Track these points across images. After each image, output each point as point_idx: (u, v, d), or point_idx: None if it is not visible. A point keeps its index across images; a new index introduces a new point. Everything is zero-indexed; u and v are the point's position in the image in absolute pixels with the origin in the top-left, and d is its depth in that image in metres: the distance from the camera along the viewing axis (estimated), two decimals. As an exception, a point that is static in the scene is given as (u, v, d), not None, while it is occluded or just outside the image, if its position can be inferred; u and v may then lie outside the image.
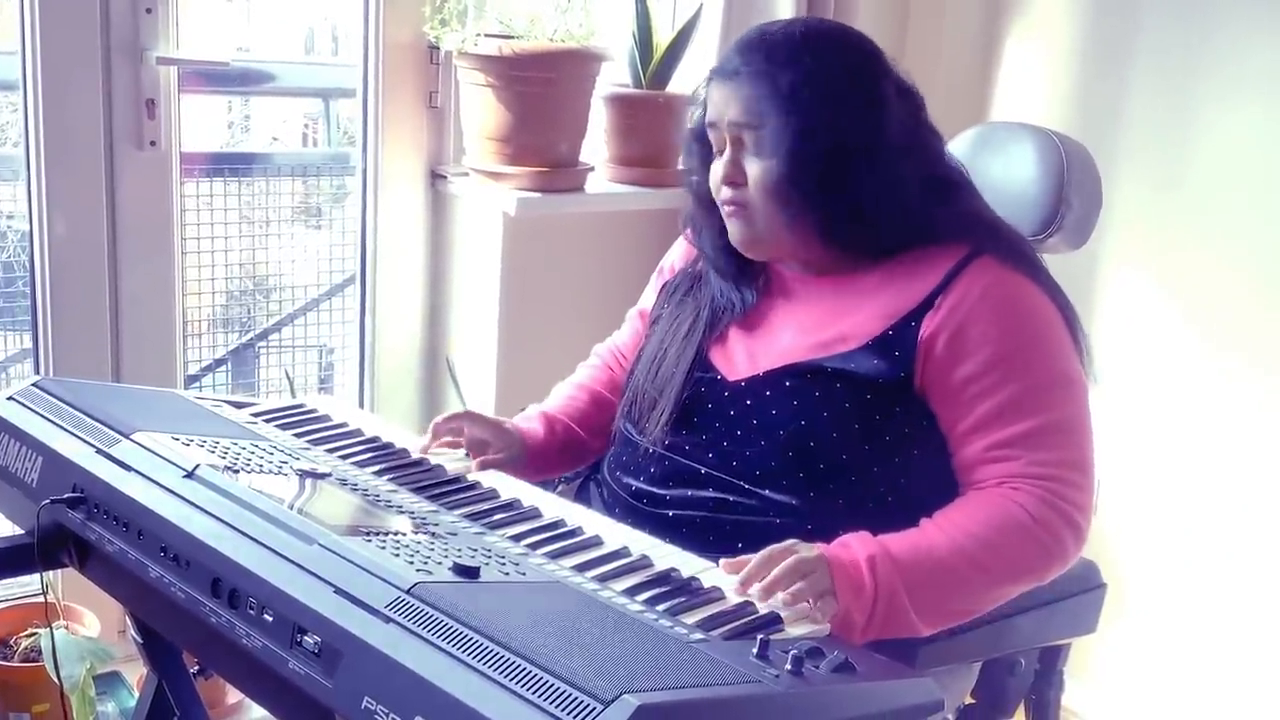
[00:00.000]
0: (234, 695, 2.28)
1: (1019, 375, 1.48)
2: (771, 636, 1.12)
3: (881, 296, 1.54)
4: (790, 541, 1.35)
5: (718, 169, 1.57)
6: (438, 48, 2.38)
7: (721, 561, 1.35)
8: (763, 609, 1.26)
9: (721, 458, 1.55)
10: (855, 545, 1.39)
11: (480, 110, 2.33)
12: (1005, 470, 1.46)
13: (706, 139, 1.60)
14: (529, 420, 1.76)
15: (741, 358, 1.60)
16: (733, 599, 1.28)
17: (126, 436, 1.40)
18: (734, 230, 1.59)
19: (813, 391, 1.51)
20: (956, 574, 1.41)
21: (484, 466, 1.61)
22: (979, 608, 1.46)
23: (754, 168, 1.53)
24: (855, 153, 1.50)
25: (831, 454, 1.49)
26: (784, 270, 1.64)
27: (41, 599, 2.18)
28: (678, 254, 1.81)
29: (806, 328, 1.58)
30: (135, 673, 2.23)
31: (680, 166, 1.72)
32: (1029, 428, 1.46)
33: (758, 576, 1.30)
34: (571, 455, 1.78)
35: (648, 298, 1.83)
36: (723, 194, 1.57)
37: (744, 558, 1.34)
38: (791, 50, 1.52)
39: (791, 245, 1.57)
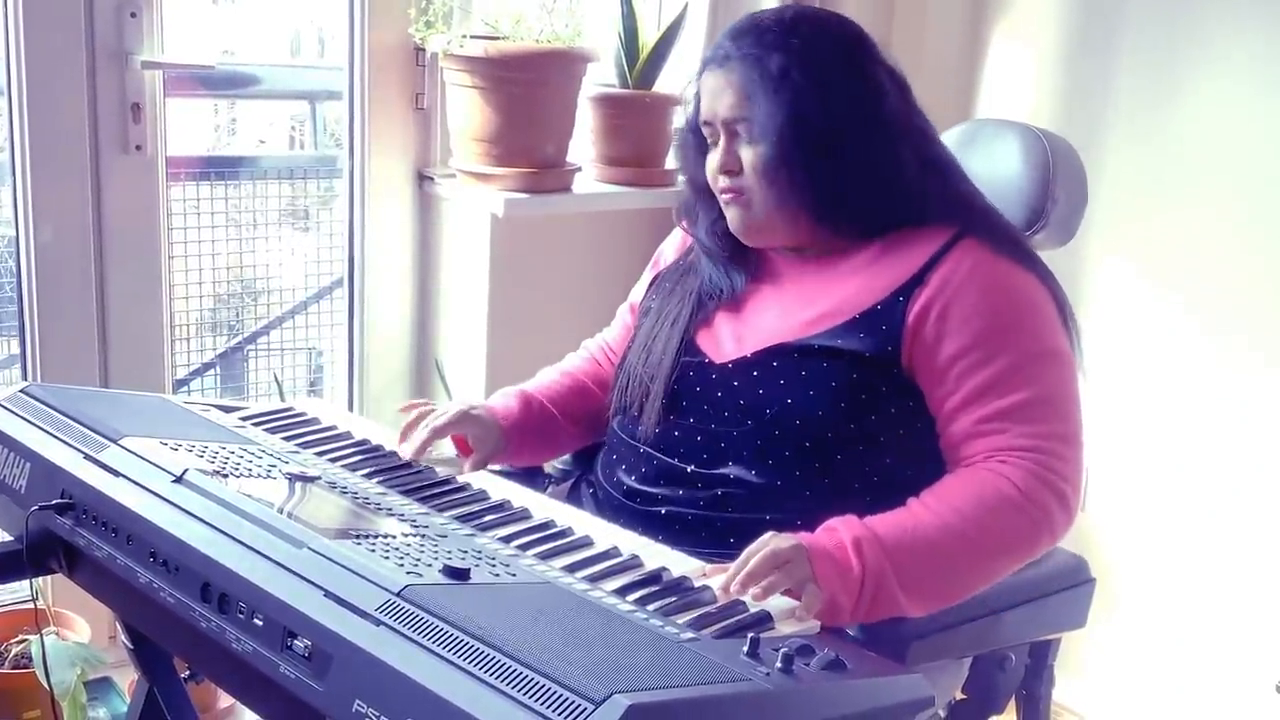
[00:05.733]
0: (225, 700, 2.27)
1: (1006, 350, 1.48)
2: (762, 635, 1.12)
3: (869, 273, 1.55)
4: (767, 535, 1.36)
5: (714, 159, 1.59)
6: (423, 49, 2.38)
7: (707, 569, 1.35)
8: (753, 607, 1.26)
9: (708, 440, 1.55)
10: (841, 529, 1.39)
11: (466, 112, 2.33)
12: (993, 444, 1.47)
13: (701, 131, 1.61)
14: (506, 397, 1.75)
15: (728, 340, 1.61)
16: (723, 598, 1.28)
17: (115, 442, 1.40)
18: (732, 217, 1.60)
19: (799, 370, 1.52)
20: (945, 552, 1.41)
21: (475, 468, 1.61)
22: (969, 586, 1.45)
23: (748, 153, 1.55)
24: (847, 133, 1.52)
25: (817, 432, 1.50)
26: (773, 254, 1.65)
27: (31, 605, 2.18)
28: (671, 247, 1.82)
29: (792, 307, 1.59)
30: (126, 678, 2.23)
31: (675, 159, 1.73)
32: (1016, 401, 1.47)
33: (736, 574, 1.31)
34: (548, 438, 1.77)
35: (638, 290, 1.84)
36: (720, 183, 1.59)
37: (725, 565, 1.34)
38: (780, 33, 1.54)
39: (788, 229, 1.58)
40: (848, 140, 1.53)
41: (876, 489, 1.49)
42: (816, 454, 1.50)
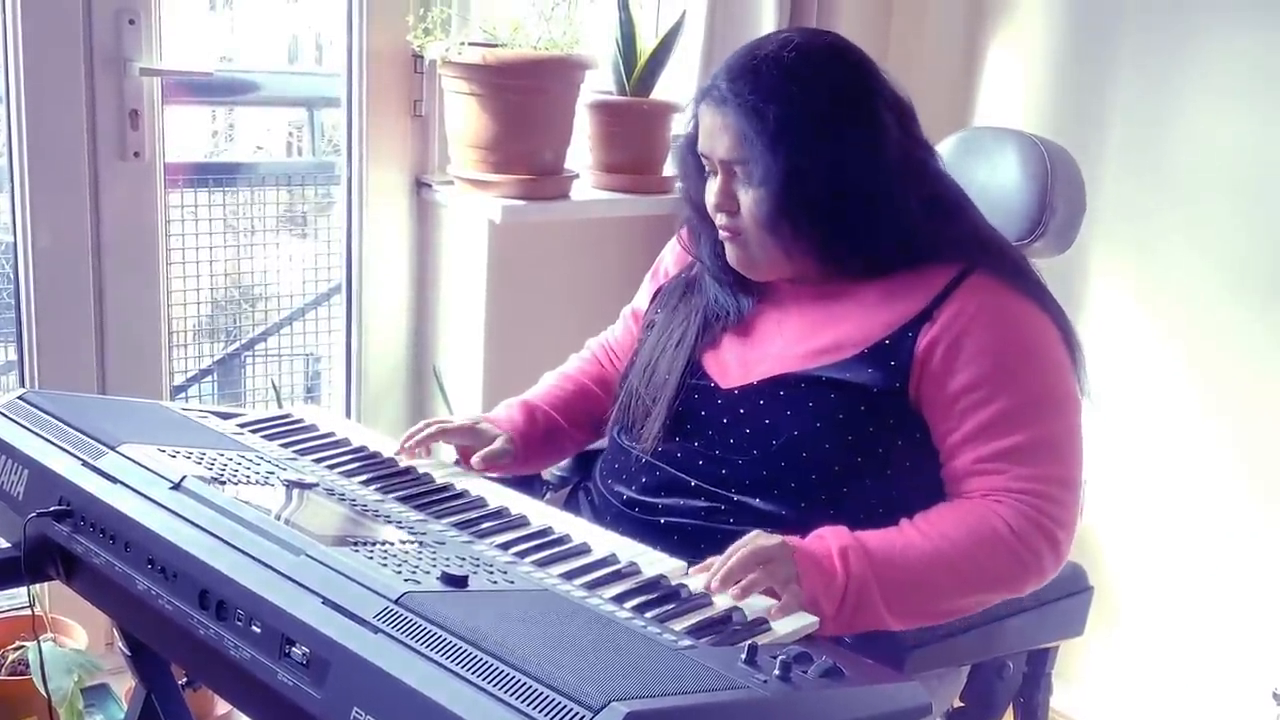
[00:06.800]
0: (223, 707, 2.27)
1: (1012, 389, 1.47)
2: (760, 641, 1.12)
3: (877, 307, 1.54)
4: (754, 533, 1.36)
5: (712, 192, 1.56)
6: (421, 56, 2.38)
7: (691, 570, 1.35)
8: (750, 614, 1.26)
9: (713, 466, 1.55)
10: (829, 537, 1.40)
11: (464, 118, 2.33)
12: (990, 484, 1.47)
13: (700, 154, 1.59)
14: (510, 409, 1.76)
15: (734, 365, 1.60)
16: (720, 605, 1.28)
17: (113, 449, 1.40)
18: (731, 254, 1.59)
19: (806, 401, 1.51)
20: (929, 575, 1.41)
21: (487, 468, 1.62)
22: (952, 612, 1.46)
23: (746, 198, 1.53)
24: (849, 180, 1.50)
25: (824, 464, 1.49)
26: (779, 280, 1.64)
27: (28, 612, 2.17)
28: (672, 257, 1.81)
29: (800, 336, 1.58)
30: (124, 685, 2.23)
31: (674, 171, 1.72)
32: (1017, 442, 1.46)
33: (719, 571, 1.31)
34: (553, 445, 1.78)
35: (641, 298, 1.83)
36: (718, 219, 1.57)
37: (710, 560, 1.34)
38: (779, 79, 1.49)
39: (789, 267, 1.57)
40: (849, 189, 1.50)
41: (883, 520, 1.47)
42: (824, 485, 1.50)
